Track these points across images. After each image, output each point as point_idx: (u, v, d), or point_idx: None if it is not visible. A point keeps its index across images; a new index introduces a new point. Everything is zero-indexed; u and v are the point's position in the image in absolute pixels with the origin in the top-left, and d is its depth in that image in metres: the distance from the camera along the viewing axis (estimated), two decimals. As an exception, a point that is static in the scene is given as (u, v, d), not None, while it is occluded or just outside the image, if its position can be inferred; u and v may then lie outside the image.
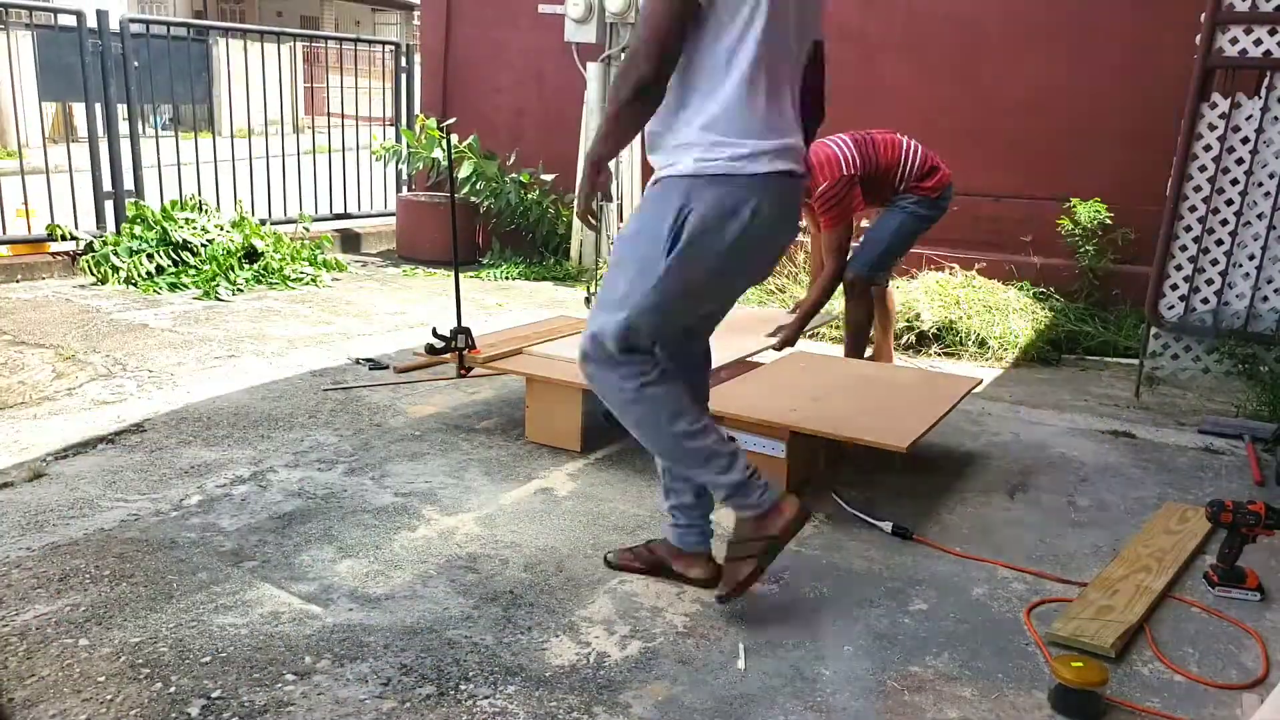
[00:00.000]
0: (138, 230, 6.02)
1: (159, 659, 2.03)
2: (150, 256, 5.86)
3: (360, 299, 5.80)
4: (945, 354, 4.98)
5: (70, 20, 5.98)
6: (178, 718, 1.85)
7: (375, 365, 4.32)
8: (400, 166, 7.48)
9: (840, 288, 4.14)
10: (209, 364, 4.22)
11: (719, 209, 2.04)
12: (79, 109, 6.67)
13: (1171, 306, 4.52)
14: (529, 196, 6.95)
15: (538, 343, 3.72)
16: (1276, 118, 4.23)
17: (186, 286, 5.74)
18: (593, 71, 6.59)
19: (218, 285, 5.75)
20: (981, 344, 4.91)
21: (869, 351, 4.36)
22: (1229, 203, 4.35)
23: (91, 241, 6.01)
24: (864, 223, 4.30)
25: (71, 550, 2.48)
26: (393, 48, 8.07)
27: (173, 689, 1.94)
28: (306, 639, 2.14)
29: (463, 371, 3.61)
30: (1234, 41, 4.22)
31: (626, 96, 1.99)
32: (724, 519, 2.43)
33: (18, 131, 8.12)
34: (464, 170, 6.84)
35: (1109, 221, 5.33)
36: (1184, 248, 4.44)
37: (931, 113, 5.93)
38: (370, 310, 5.50)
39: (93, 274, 5.86)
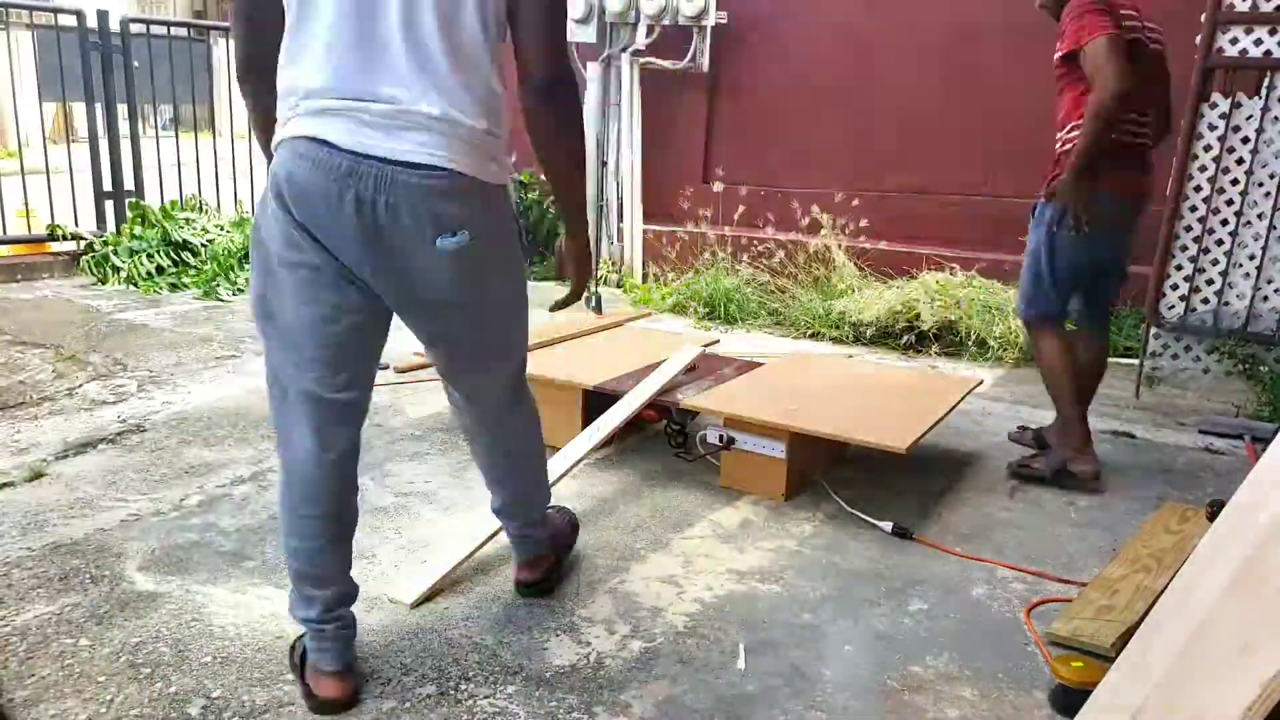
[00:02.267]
0: (138, 230, 6.03)
1: (159, 659, 2.03)
2: (150, 256, 5.87)
3: (360, 299, 5.80)
4: (945, 354, 4.98)
5: (70, 20, 5.98)
6: (178, 718, 1.85)
7: (375, 365, 4.32)
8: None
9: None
10: (209, 364, 4.23)
11: None
12: (79, 109, 6.67)
13: (1171, 306, 4.51)
14: (529, 196, 6.95)
15: (541, 345, 3.72)
16: (1277, 118, 4.22)
17: (187, 286, 5.74)
18: (593, 71, 6.58)
19: (218, 285, 5.75)
20: (981, 344, 4.91)
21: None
22: (1229, 203, 4.34)
23: (92, 241, 6.01)
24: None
25: (71, 550, 2.49)
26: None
27: (173, 689, 1.94)
28: (307, 639, 2.14)
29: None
30: (1234, 41, 4.22)
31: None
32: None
33: (18, 131, 8.14)
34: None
35: (1109, 221, 5.32)
36: (1184, 247, 4.44)
37: (931, 113, 5.94)
38: (370, 310, 5.50)
39: (93, 274, 5.87)
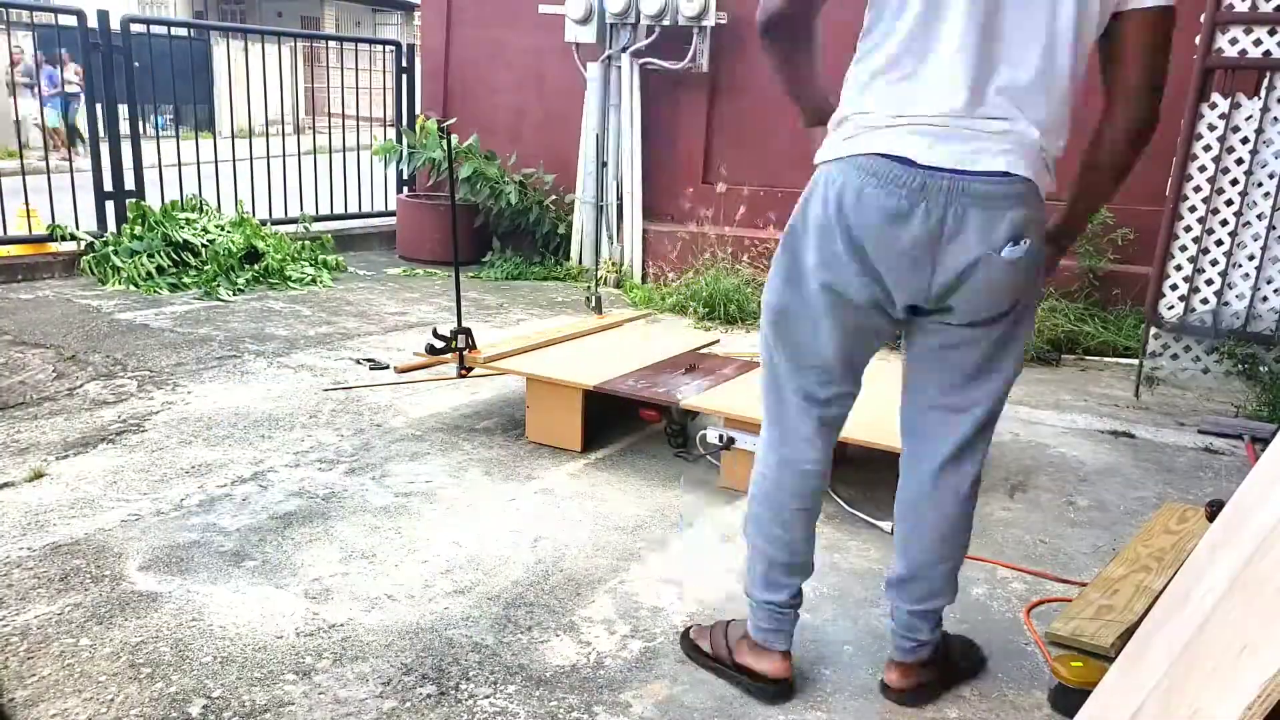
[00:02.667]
0: (138, 230, 6.03)
1: (159, 659, 2.04)
2: (151, 257, 5.87)
3: (360, 299, 5.81)
4: (945, 354, 4.97)
5: (70, 20, 5.98)
6: (178, 718, 1.85)
7: (376, 365, 4.33)
8: (400, 166, 7.49)
9: None
10: (210, 364, 4.23)
11: None
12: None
13: (1171, 306, 4.52)
14: (529, 196, 6.96)
15: (542, 345, 3.72)
16: (1276, 118, 4.23)
17: (187, 287, 5.74)
18: (593, 71, 6.59)
19: (218, 285, 5.75)
20: (981, 344, 4.90)
21: None
22: (1229, 203, 4.35)
23: (92, 242, 6.01)
24: None
25: (71, 550, 2.49)
26: (393, 48, 8.07)
27: (173, 689, 1.94)
28: (307, 639, 2.14)
29: (463, 371, 3.62)
30: (1234, 42, 4.22)
31: None
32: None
33: (18, 132, 8.14)
34: (464, 170, 6.84)
35: (1109, 221, 5.33)
36: (1184, 248, 4.44)
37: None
38: (370, 310, 5.50)
39: (93, 274, 5.87)
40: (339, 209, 7.57)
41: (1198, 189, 4.37)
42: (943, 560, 1.96)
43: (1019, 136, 1.65)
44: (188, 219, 6.18)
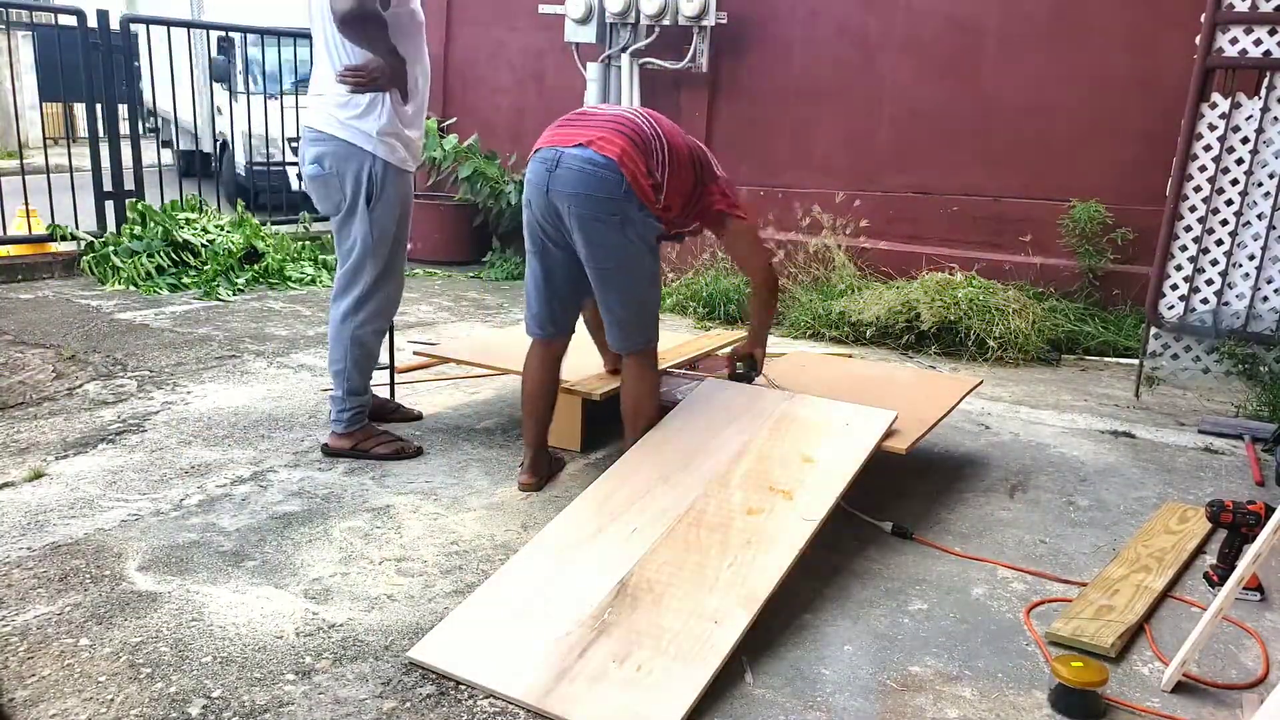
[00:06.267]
0: (138, 230, 6.03)
1: (159, 659, 2.04)
2: (151, 257, 5.87)
3: (360, 299, 5.80)
4: (945, 354, 4.98)
5: (70, 20, 5.98)
6: (178, 718, 1.85)
7: (376, 365, 4.32)
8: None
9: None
10: (209, 364, 4.23)
11: None
12: (79, 109, 6.66)
13: (1171, 306, 4.51)
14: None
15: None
16: (1276, 118, 4.22)
17: (187, 287, 5.74)
18: (593, 71, 6.59)
19: (218, 285, 5.75)
20: (981, 344, 4.91)
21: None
22: (1229, 203, 4.35)
23: (92, 242, 6.01)
24: None
25: (71, 550, 2.49)
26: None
27: (173, 689, 1.94)
28: (307, 638, 2.14)
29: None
30: (1234, 41, 4.22)
31: None
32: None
33: (18, 132, 8.15)
34: (464, 170, 6.84)
35: (1109, 221, 5.33)
36: (1184, 248, 4.44)
37: (931, 113, 5.94)
38: (370, 310, 5.50)
39: (93, 274, 5.87)
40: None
41: (1198, 189, 4.37)
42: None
43: None
44: (187, 219, 6.18)
